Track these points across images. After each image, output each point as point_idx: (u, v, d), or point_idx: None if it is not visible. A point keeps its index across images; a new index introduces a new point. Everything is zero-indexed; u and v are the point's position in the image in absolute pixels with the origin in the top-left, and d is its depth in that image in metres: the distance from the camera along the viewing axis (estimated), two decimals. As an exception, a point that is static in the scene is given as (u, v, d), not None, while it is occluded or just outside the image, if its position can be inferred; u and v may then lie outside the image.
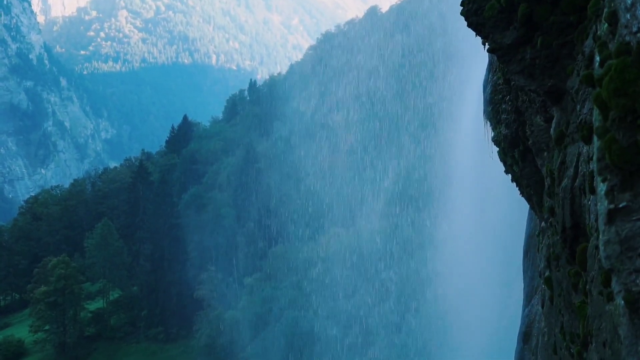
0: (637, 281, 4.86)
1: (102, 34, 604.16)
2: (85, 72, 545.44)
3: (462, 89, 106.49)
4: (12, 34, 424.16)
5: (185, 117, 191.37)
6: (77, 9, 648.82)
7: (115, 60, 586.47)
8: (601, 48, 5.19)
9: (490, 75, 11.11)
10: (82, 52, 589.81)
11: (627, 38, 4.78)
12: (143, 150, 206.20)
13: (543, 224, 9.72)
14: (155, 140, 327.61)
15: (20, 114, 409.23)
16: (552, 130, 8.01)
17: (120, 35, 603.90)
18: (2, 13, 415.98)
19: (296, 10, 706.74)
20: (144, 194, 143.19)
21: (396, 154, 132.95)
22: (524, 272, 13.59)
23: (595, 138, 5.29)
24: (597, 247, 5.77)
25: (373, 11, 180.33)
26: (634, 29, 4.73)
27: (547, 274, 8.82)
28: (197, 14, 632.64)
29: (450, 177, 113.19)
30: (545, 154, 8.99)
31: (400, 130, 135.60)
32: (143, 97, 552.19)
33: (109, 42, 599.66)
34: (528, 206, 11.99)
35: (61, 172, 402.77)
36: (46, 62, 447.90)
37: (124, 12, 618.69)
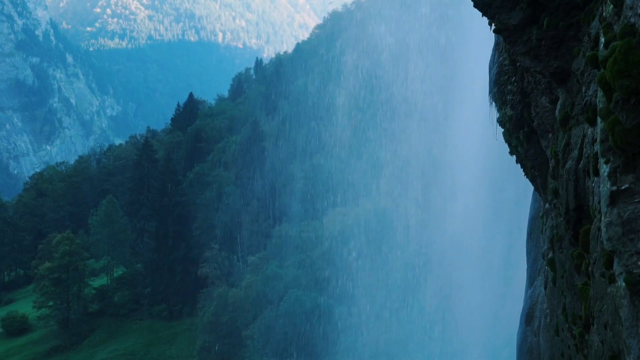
0: (639, 263, 4.86)
1: (108, 11, 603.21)
2: (91, 49, 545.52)
3: (472, 69, 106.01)
4: (18, 9, 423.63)
5: (191, 95, 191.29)
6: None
7: (122, 37, 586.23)
8: (606, 29, 5.17)
9: (496, 56, 11.08)
10: (89, 29, 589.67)
11: (632, 20, 4.76)
12: (148, 127, 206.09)
13: (547, 205, 9.72)
14: (161, 118, 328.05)
15: (26, 90, 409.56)
16: (557, 111, 8.00)
17: (127, 12, 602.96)
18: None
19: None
20: (149, 171, 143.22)
21: (403, 133, 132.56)
22: (527, 253, 13.59)
23: (599, 120, 5.27)
24: (599, 229, 5.77)
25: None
26: (639, 11, 4.70)
27: (550, 255, 8.83)
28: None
29: (456, 158, 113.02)
30: (550, 135, 8.97)
31: (407, 110, 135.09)
32: (149, 74, 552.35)
33: (115, 19, 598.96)
34: (532, 188, 11.98)
35: (66, 148, 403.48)
36: (52, 38, 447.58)
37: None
